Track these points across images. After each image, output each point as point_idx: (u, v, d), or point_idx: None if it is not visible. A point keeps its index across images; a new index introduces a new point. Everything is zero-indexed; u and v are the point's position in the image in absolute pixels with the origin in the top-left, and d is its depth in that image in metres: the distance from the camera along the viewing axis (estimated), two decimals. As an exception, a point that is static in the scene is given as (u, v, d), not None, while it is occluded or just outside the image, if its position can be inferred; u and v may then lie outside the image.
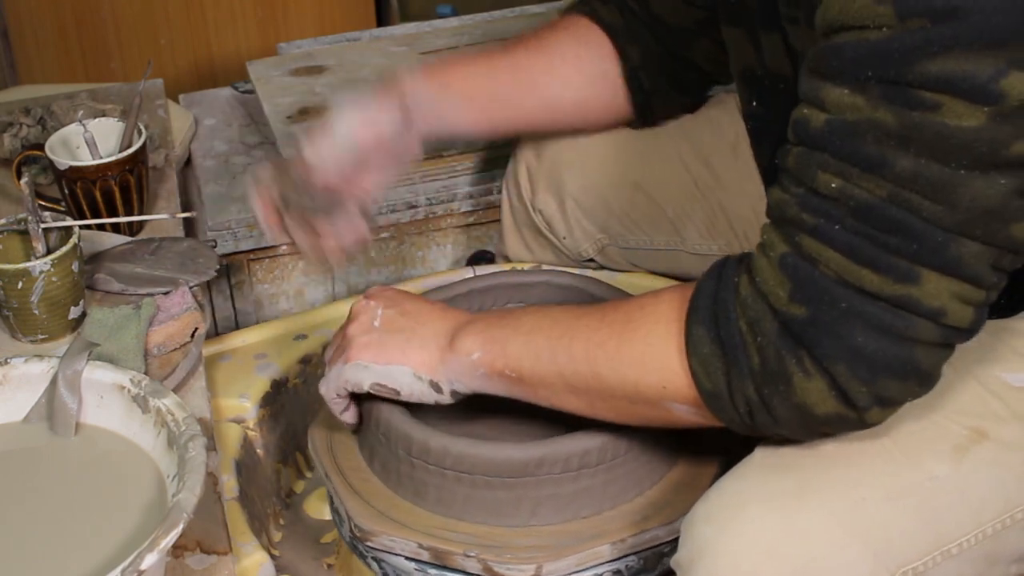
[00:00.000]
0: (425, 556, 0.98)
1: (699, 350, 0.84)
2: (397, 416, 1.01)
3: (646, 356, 0.88)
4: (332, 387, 1.02)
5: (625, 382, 0.90)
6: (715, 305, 0.84)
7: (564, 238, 1.31)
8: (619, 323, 0.90)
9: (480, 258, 1.55)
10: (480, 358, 0.96)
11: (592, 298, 1.12)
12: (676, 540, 0.96)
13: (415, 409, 1.03)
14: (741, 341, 0.82)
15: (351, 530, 1.01)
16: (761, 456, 0.90)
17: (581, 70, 1.20)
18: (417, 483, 1.01)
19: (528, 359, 0.94)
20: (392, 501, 1.02)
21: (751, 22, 1.04)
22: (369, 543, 1.00)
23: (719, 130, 1.26)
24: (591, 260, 1.32)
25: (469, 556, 0.96)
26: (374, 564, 1.02)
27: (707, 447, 1.04)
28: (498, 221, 1.41)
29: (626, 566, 0.99)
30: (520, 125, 1.24)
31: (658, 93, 1.22)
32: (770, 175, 1.09)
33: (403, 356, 0.99)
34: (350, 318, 1.03)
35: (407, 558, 0.99)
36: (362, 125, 1.09)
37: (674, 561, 0.89)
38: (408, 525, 0.99)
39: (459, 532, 0.99)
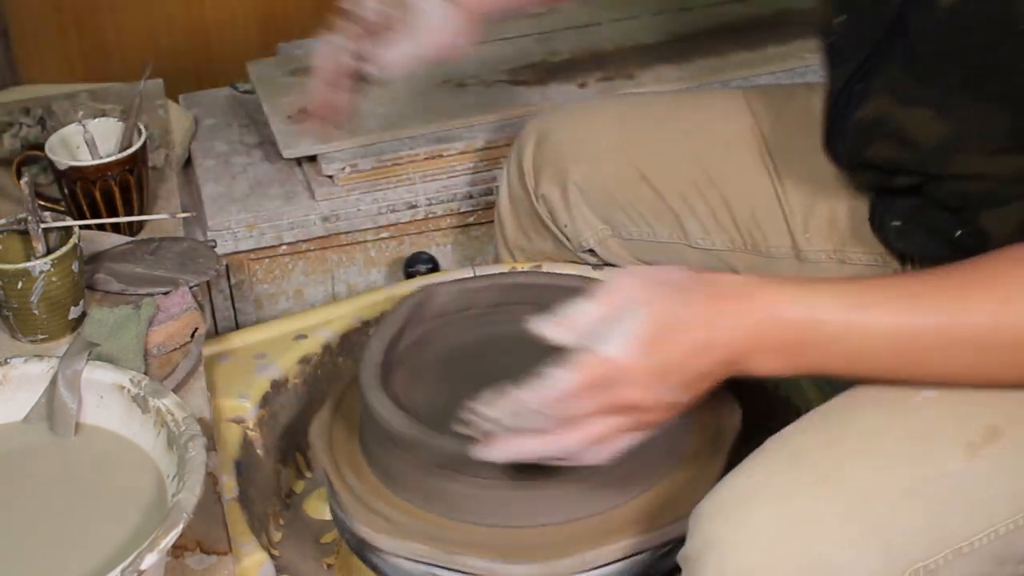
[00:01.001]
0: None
1: None
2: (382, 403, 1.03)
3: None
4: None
5: (994, 384, 0.89)
6: None
7: (565, 226, 1.31)
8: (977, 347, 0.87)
9: (415, 260, 1.54)
10: (782, 371, 0.90)
11: None
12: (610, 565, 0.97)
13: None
14: None
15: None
16: (772, 449, 0.90)
17: None
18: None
19: (859, 374, 0.91)
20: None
21: None
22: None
23: (726, 123, 1.26)
24: (590, 251, 1.32)
25: None
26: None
27: (685, 472, 1.03)
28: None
29: None
30: None
31: None
32: (842, 102, 1.06)
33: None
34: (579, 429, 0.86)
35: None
36: (443, 37, 1.16)
37: (681, 555, 0.88)
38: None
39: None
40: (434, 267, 1.53)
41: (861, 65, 1.03)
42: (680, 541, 0.91)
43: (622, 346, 0.84)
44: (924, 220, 1.08)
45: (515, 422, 0.86)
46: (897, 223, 1.10)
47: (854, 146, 1.07)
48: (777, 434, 0.91)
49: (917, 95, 0.99)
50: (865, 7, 1.03)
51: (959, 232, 1.02)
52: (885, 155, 1.05)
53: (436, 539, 0.98)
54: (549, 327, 0.86)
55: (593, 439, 0.87)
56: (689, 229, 1.27)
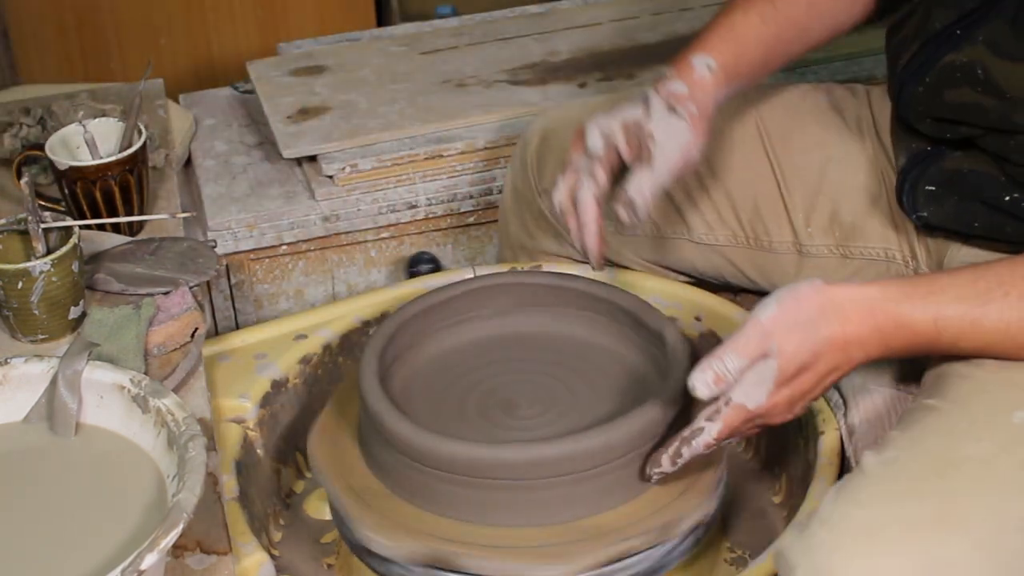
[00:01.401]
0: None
1: None
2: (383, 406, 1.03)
3: None
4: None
5: None
6: None
7: None
8: None
9: (418, 260, 1.54)
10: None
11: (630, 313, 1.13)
12: None
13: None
14: None
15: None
16: (879, 477, 0.90)
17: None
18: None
19: (969, 355, 0.98)
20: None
21: None
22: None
23: (730, 118, 1.26)
24: None
25: None
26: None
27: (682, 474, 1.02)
28: (497, 221, 1.41)
29: None
30: (786, 61, 1.25)
31: None
32: (934, 44, 1.06)
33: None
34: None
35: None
36: (680, 159, 1.12)
37: None
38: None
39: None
40: (436, 267, 1.53)
41: (968, 14, 1.03)
42: (674, 545, 0.91)
43: (762, 398, 0.94)
44: (963, 184, 1.07)
45: (685, 463, 0.99)
46: (931, 188, 1.10)
47: (932, 87, 1.06)
48: (874, 456, 0.92)
49: (1018, 52, 1.00)
50: None
51: (1009, 197, 1.03)
52: (965, 99, 1.04)
53: (436, 539, 0.98)
54: (702, 387, 0.94)
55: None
56: (692, 224, 1.27)
